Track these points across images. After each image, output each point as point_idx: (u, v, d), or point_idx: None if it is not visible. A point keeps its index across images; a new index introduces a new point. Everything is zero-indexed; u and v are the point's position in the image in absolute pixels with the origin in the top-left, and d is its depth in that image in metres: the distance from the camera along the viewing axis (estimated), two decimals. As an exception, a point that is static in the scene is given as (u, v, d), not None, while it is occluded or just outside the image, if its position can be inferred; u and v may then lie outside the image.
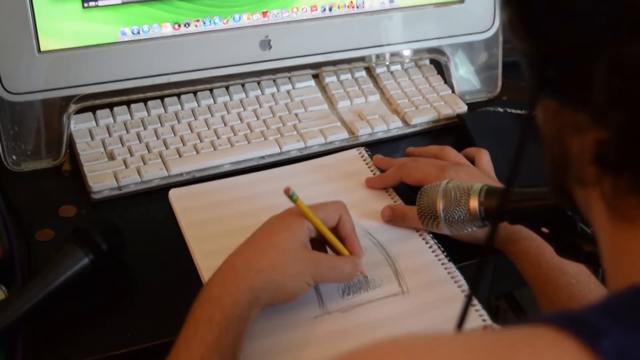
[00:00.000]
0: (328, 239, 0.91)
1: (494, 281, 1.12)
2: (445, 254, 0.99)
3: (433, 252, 1.00)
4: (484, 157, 1.12)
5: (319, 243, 0.92)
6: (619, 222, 0.54)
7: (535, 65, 0.54)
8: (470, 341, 0.48)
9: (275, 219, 0.90)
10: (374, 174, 1.12)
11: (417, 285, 0.95)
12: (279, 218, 0.90)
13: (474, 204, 0.91)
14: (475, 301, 0.92)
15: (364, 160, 1.16)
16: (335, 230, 0.92)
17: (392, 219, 1.03)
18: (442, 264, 0.98)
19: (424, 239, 1.01)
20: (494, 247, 0.97)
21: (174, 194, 1.09)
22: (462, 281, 0.95)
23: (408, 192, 1.06)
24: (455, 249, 1.00)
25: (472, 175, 1.04)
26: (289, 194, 0.88)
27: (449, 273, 0.97)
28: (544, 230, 0.87)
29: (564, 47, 0.52)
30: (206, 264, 0.97)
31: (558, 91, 0.54)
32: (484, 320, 0.91)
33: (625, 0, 0.49)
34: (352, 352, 0.49)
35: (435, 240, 1.01)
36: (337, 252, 0.92)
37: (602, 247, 0.58)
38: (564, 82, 0.54)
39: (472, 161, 1.12)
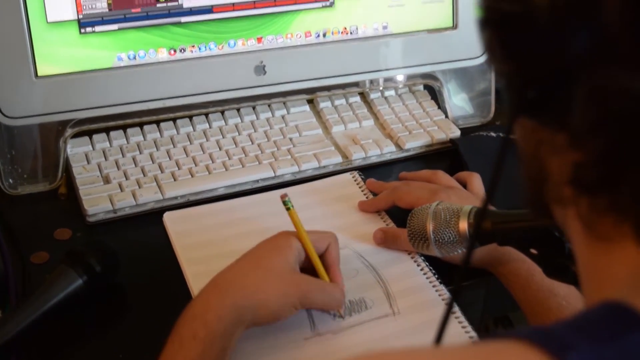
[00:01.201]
0: (313, 260, 0.92)
1: (487, 303, 1.12)
2: (436, 276, 1.00)
3: (424, 274, 1.00)
4: (476, 180, 1.13)
5: (306, 271, 0.92)
6: (594, 241, 0.55)
7: (514, 86, 0.55)
8: (443, 353, 0.49)
9: (265, 242, 0.91)
10: (367, 198, 1.13)
11: (408, 307, 0.96)
12: (268, 241, 0.91)
13: (463, 225, 0.92)
14: (458, 313, 0.93)
15: (357, 184, 1.17)
16: (321, 258, 0.93)
17: (384, 241, 1.04)
18: (434, 286, 0.99)
19: (415, 261, 1.02)
20: (484, 268, 0.98)
21: (168, 217, 1.09)
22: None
23: (400, 215, 1.07)
24: (446, 272, 1.00)
25: (464, 198, 1.05)
26: (284, 199, 0.90)
27: (440, 295, 0.97)
28: (533, 251, 0.88)
29: (542, 70, 0.53)
30: (199, 286, 0.97)
31: (536, 112, 0.55)
32: (467, 332, 0.92)
33: (604, 28, 0.49)
34: None
35: (427, 263, 1.01)
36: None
37: (578, 264, 0.58)
38: (542, 104, 0.54)
39: (465, 185, 1.13)
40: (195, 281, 0.99)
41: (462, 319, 0.94)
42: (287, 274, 0.88)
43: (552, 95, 0.53)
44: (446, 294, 0.97)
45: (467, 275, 0.99)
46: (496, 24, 0.54)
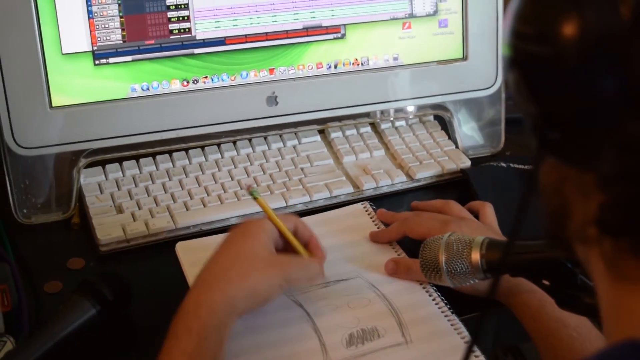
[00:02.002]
0: (288, 239, 0.96)
1: (498, 334, 1.12)
2: (448, 306, 1.00)
3: (436, 304, 1.00)
4: (488, 210, 1.13)
5: (282, 251, 0.96)
6: (617, 280, 0.55)
7: (540, 127, 0.55)
8: None
9: (236, 230, 0.94)
10: (378, 228, 1.14)
11: (420, 336, 0.96)
12: (240, 228, 0.94)
13: (475, 256, 0.92)
14: (475, 348, 0.94)
15: (369, 214, 1.17)
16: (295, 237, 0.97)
17: (396, 272, 1.04)
18: (445, 315, 0.99)
19: (427, 291, 1.02)
20: (496, 299, 0.98)
21: (180, 247, 1.10)
22: (465, 333, 0.96)
23: (412, 246, 1.07)
24: (457, 302, 1.00)
25: (475, 229, 1.05)
26: (250, 190, 0.96)
27: (452, 325, 0.97)
28: (545, 282, 0.88)
29: (568, 112, 0.53)
30: None
31: (562, 153, 0.55)
32: None
33: (632, 75, 0.49)
34: None
35: (439, 293, 1.02)
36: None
37: (600, 302, 0.59)
38: (568, 145, 0.54)
39: (477, 215, 1.13)
40: None
41: (475, 347, 0.94)
42: (266, 257, 0.91)
43: (579, 138, 0.53)
44: (458, 323, 0.97)
45: (479, 305, 1.00)
46: (524, 64, 0.55)
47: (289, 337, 0.95)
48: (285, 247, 0.97)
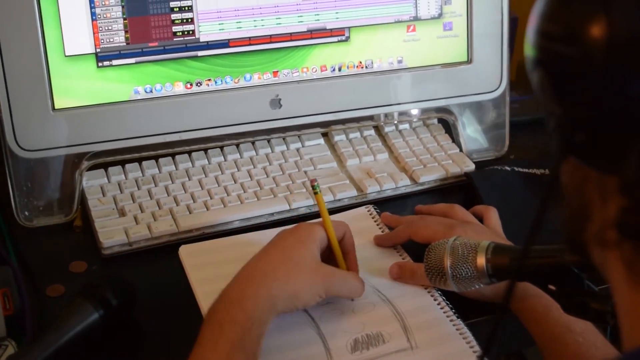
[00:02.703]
0: (334, 249, 0.98)
1: (502, 339, 1.11)
2: (453, 310, 0.99)
3: (441, 308, 1.00)
4: (493, 215, 1.13)
5: (324, 256, 0.98)
6: (638, 284, 0.55)
7: (564, 127, 0.55)
8: None
9: (288, 233, 0.97)
10: (382, 232, 1.13)
11: (425, 341, 0.95)
12: (292, 232, 0.97)
13: (481, 261, 0.92)
14: (477, 347, 0.94)
15: (373, 218, 1.17)
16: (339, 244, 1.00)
17: (401, 276, 1.04)
18: (451, 320, 0.98)
19: (432, 295, 1.02)
20: (508, 306, 0.97)
21: (184, 251, 1.09)
22: (471, 337, 0.95)
23: (416, 250, 1.06)
24: (462, 306, 1.00)
25: (480, 233, 1.04)
26: (314, 184, 0.99)
27: (457, 329, 0.97)
28: (551, 287, 0.88)
29: (595, 114, 0.53)
30: None
31: (585, 155, 0.55)
32: None
33: None
34: None
35: (444, 297, 1.01)
36: (335, 264, 0.99)
37: (618, 305, 0.58)
38: (593, 149, 0.54)
39: (481, 219, 1.12)
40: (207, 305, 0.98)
41: (480, 353, 0.93)
42: (313, 265, 0.94)
43: (604, 141, 0.53)
44: (463, 327, 0.97)
45: (485, 310, 0.99)
46: (551, 65, 0.54)
47: (293, 342, 0.95)
48: (326, 253, 0.99)
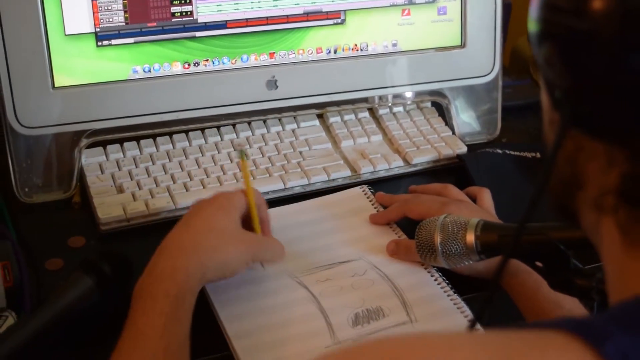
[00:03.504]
0: (253, 216, 1.00)
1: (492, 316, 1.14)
2: (450, 286, 1.01)
3: (438, 284, 1.02)
4: (486, 195, 1.15)
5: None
6: (631, 247, 0.57)
7: (570, 99, 0.56)
8: (487, 340, 0.51)
9: (207, 203, 0.98)
10: (377, 211, 1.15)
11: (425, 315, 0.97)
12: (211, 202, 0.98)
13: (470, 238, 0.94)
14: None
15: (368, 197, 1.19)
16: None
17: (396, 252, 1.06)
18: (448, 295, 1.00)
19: (429, 272, 1.04)
20: (500, 281, 0.99)
21: None
22: (468, 312, 0.98)
23: (411, 227, 1.08)
24: (458, 282, 1.02)
25: (473, 211, 1.06)
26: (241, 150, 1.01)
27: (455, 304, 0.99)
28: (538, 264, 0.90)
29: (602, 86, 0.54)
30: (217, 298, 0.99)
31: (591, 126, 0.57)
32: None
33: None
34: (372, 344, 0.52)
35: (440, 273, 1.03)
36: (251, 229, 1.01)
37: (608, 268, 0.60)
38: (599, 120, 0.56)
39: (474, 200, 1.14)
40: (209, 291, 1.00)
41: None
42: (237, 233, 0.97)
43: (612, 111, 0.54)
44: (460, 302, 0.99)
45: (479, 286, 1.01)
46: (559, 38, 0.55)
47: (295, 318, 0.97)
48: (244, 220, 1.01)
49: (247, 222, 1.00)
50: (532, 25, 0.58)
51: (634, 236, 0.57)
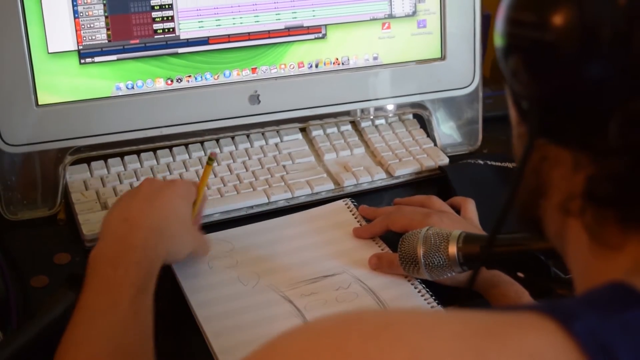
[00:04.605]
0: (195, 207, 1.05)
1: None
2: (433, 297, 1.02)
3: (422, 296, 1.03)
4: (470, 206, 1.16)
5: None
6: (599, 248, 0.59)
7: (536, 110, 0.58)
8: (470, 318, 0.53)
9: (168, 187, 1.02)
10: (360, 224, 1.16)
11: None
12: (171, 186, 1.03)
13: (452, 249, 0.95)
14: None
15: (351, 211, 1.19)
16: None
17: (379, 266, 1.06)
18: (432, 307, 1.01)
19: (412, 284, 1.04)
20: (475, 290, 1.00)
21: None
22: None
23: (394, 240, 1.09)
24: (442, 293, 1.03)
25: (456, 222, 1.08)
26: (212, 156, 1.06)
27: None
28: (520, 275, 0.91)
29: (567, 95, 0.56)
30: (202, 314, 1.00)
31: (557, 134, 0.59)
32: None
33: (633, 59, 0.53)
34: (353, 318, 0.54)
35: (424, 285, 1.04)
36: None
37: (574, 271, 0.63)
38: (565, 127, 0.58)
39: (458, 210, 1.16)
40: (199, 309, 1.01)
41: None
42: (190, 225, 1.03)
43: (578, 118, 0.56)
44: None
45: (461, 297, 1.02)
46: (523, 50, 0.58)
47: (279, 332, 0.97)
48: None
49: None
50: (498, 40, 0.60)
51: (600, 236, 0.59)
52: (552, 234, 0.64)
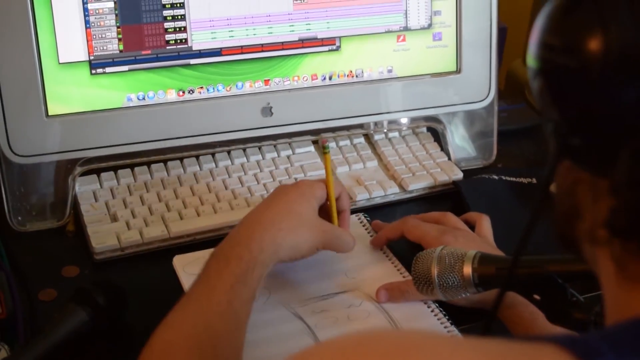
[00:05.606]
0: (331, 206, 1.06)
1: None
2: (447, 317, 1.01)
3: (435, 315, 1.01)
4: (485, 223, 1.14)
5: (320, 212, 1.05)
6: (625, 281, 0.58)
7: (560, 132, 0.59)
8: (487, 346, 0.52)
9: (290, 188, 1.04)
10: (372, 238, 1.15)
11: None
12: (294, 187, 1.04)
13: (467, 270, 0.93)
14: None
15: (364, 225, 1.18)
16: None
17: (391, 298, 1.04)
18: (445, 327, 1.00)
19: (425, 303, 1.03)
20: (497, 314, 0.98)
21: (178, 261, 1.10)
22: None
23: (407, 253, 1.08)
24: (456, 313, 1.01)
25: (470, 241, 1.06)
26: (325, 144, 1.08)
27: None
28: (536, 297, 0.90)
29: (590, 121, 0.56)
30: None
31: (579, 158, 0.59)
32: None
33: None
34: (375, 337, 0.54)
35: (437, 304, 1.02)
36: (329, 220, 1.06)
37: (607, 301, 0.61)
38: (586, 152, 0.58)
39: (473, 226, 1.14)
40: None
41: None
42: (313, 220, 1.02)
43: (597, 145, 0.57)
44: (457, 334, 0.98)
45: (476, 317, 1.01)
46: (550, 74, 0.58)
47: (291, 350, 0.95)
48: (322, 208, 1.06)
49: (327, 213, 1.06)
50: (529, 62, 0.60)
51: (628, 269, 0.57)
52: (588, 258, 0.63)
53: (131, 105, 1.19)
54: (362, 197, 1.25)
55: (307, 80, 1.27)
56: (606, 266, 0.59)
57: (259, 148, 1.31)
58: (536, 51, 0.59)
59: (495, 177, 1.30)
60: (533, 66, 0.60)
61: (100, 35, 1.15)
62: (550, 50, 0.58)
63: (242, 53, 1.22)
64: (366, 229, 1.17)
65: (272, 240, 0.97)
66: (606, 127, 0.55)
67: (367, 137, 1.37)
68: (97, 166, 1.21)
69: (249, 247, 0.95)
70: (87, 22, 1.14)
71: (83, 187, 1.21)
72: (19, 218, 1.18)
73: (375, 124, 1.36)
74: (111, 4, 1.15)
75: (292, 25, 1.24)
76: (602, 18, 0.55)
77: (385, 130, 1.37)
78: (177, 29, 1.18)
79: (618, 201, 0.56)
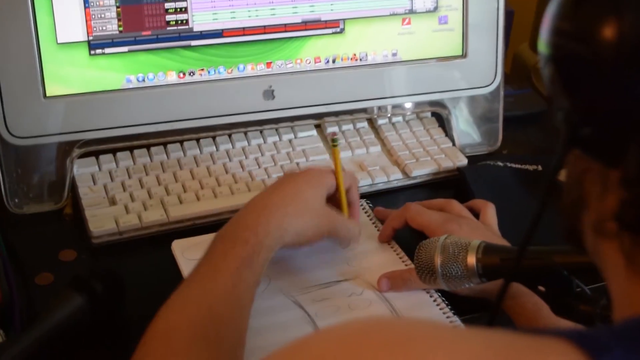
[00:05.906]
0: (341, 197, 1.06)
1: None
2: (449, 307, 0.99)
3: (437, 305, 1.00)
4: (489, 211, 1.12)
5: (329, 202, 1.05)
6: (635, 274, 0.56)
7: (571, 121, 0.57)
8: (492, 338, 0.51)
9: (298, 175, 1.05)
10: (375, 226, 1.14)
11: None
12: (302, 174, 1.05)
13: (471, 260, 0.91)
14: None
15: (366, 212, 1.16)
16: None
17: (392, 286, 1.03)
18: (447, 317, 0.98)
19: (428, 292, 1.01)
20: (502, 305, 0.97)
21: (177, 245, 1.09)
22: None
23: (410, 242, 1.06)
24: (458, 303, 1.00)
25: (475, 229, 1.05)
26: (333, 137, 1.09)
27: (454, 326, 0.97)
28: (541, 289, 0.88)
29: (602, 110, 0.55)
30: None
31: (590, 148, 0.57)
32: None
33: None
34: (376, 323, 0.54)
35: (439, 294, 1.01)
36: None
37: (613, 294, 0.60)
38: (598, 142, 0.56)
39: (477, 213, 1.12)
40: None
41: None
42: (319, 207, 1.02)
43: (609, 135, 0.55)
44: (460, 324, 0.97)
45: (479, 307, 0.99)
46: (562, 62, 0.57)
47: (290, 340, 0.94)
48: (332, 199, 1.05)
49: (337, 205, 1.06)
50: (540, 48, 0.59)
51: (638, 263, 0.56)
52: (589, 250, 0.62)
53: (131, 86, 1.17)
54: (364, 183, 1.23)
55: (310, 63, 1.25)
56: (614, 259, 0.58)
57: (261, 131, 1.29)
58: (548, 37, 0.58)
59: (501, 163, 1.29)
60: (544, 52, 0.58)
61: (99, 15, 1.13)
62: (563, 37, 0.56)
63: (244, 35, 1.20)
64: (368, 216, 1.15)
65: (279, 224, 0.96)
66: (617, 118, 0.54)
67: (371, 122, 1.35)
68: (95, 148, 1.19)
69: (255, 230, 0.94)
70: (86, 2, 1.12)
71: (81, 170, 1.19)
72: (16, 200, 1.16)
73: (379, 108, 1.34)
74: (111, -16, 1.13)
75: (295, 7, 1.22)
76: (617, 6, 0.53)
77: (389, 115, 1.35)
78: (178, 10, 1.16)
79: (629, 194, 0.55)
